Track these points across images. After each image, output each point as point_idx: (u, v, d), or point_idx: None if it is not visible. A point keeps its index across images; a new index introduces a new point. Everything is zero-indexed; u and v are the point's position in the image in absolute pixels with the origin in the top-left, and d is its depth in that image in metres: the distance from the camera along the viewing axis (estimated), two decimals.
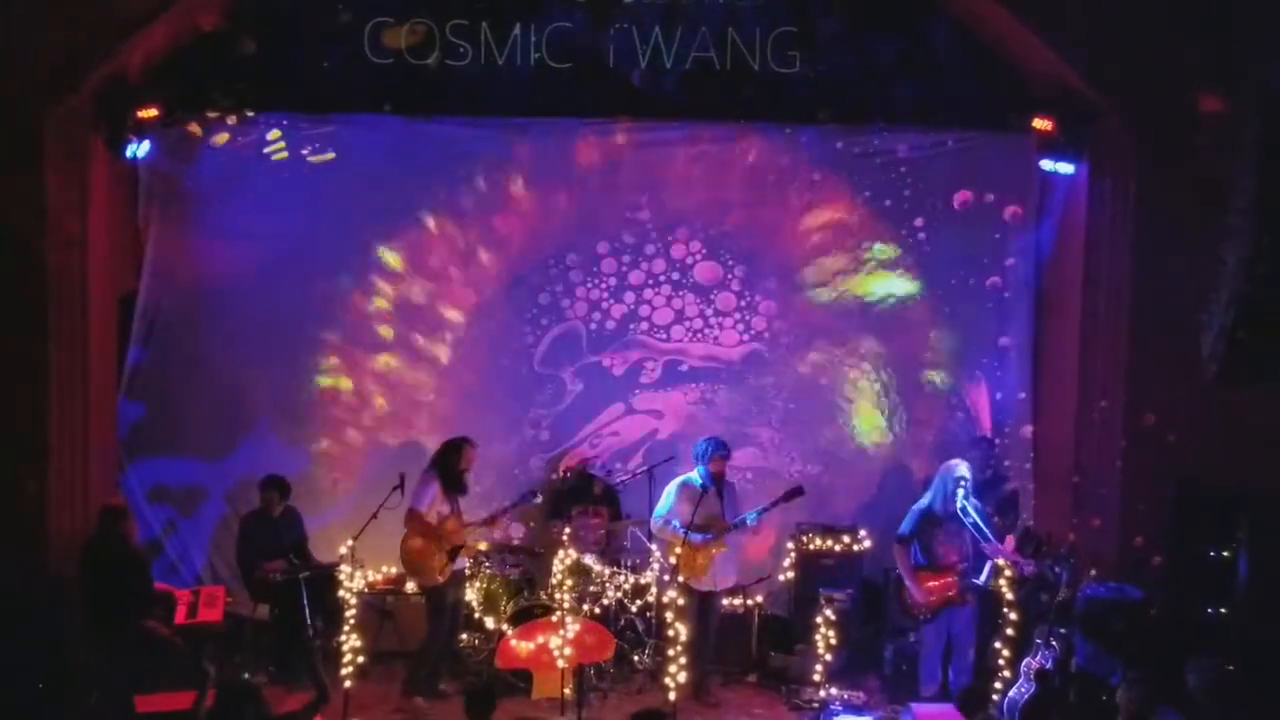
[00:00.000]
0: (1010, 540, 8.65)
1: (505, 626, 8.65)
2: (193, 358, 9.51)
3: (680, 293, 9.82)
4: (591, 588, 8.75)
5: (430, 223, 9.67)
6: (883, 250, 9.77)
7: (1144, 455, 8.73)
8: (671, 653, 8.10)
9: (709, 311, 9.85)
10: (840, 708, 8.32)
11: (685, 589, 8.32)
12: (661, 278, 9.81)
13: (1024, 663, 7.94)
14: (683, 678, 8.08)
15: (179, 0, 8.61)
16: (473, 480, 8.72)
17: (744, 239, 9.77)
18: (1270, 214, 8.51)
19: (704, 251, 9.79)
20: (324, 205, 9.51)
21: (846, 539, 9.28)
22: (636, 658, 9.00)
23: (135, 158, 9.10)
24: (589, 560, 8.90)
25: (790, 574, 9.31)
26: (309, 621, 8.27)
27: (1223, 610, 8.36)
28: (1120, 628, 8.06)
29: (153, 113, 8.90)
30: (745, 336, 9.86)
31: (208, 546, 9.61)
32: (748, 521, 8.53)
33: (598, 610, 8.73)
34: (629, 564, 9.08)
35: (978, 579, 8.30)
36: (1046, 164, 9.34)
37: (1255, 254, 8.50)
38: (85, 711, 7.53)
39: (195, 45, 9.11)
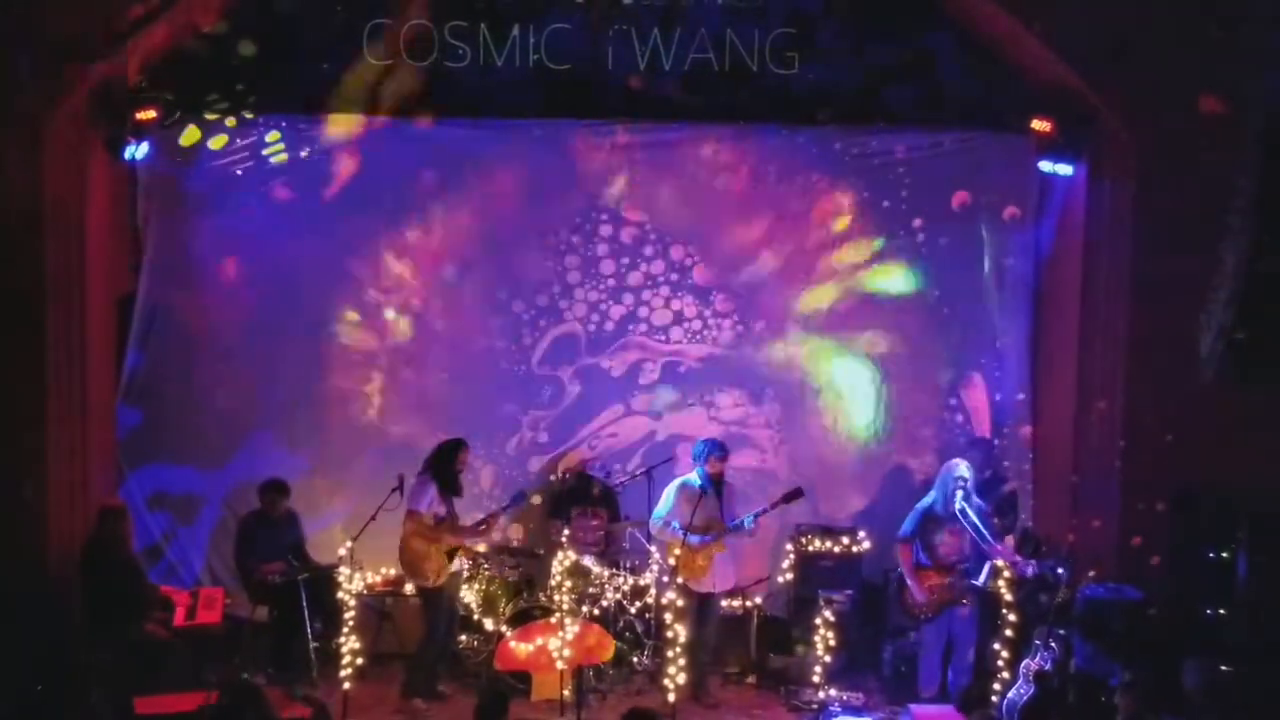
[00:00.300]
0: (1010, 541, 8.66)
1: (504, 628, 8.64)
2: (190, 361, 9.50)
3: (679, 294, 9.82)
4: (590, 589, 8.74)
5: (429, 225, 9.65)
6: (881, 251, 9.76)
7: (1143, 456, 8.73)
8: (670, 654, 8.09)
9: (708, 313, 9.84)
10: (839, 709, 8.33)
11: (684, 590, 8.31)
12: (660, 279, 9.81)
13: (1023, 664, 7.93)
14: (682, 679, 8.08)
15: (179, 1, 8.61)
16: (468, 482, 8.69)
17: (743, 240, 9.76)
18: (1270, 214, 8.53)
19: (703, 253, 9.79)
20: (323, 208, 9.51)
21: (845, 540, 9.27)
22: (635, 659, 8.99)
23: (134, 159, 9.07)
24: (588, 561, 8.90)
25: (789, 575, 9.30)
26: (309, 633, 8.24)
27: (1221, 611, 8.35)
28: (1119, 628, 8.06)
29: (151, 114, 8.88)
30: (745, 337, 9.85)
31: (206, 548, 9.59)
32: (745, 525, 8.51)
33: (597, 612, 8.71)
34: (628, 565, 9.07)
35: (976, 580, 8.31)
36: (1045, 165, 9.32)
37: (1255, 254, 8.52)
38: (85, 711, 7.52)
39: (194, 47, 9.10)
